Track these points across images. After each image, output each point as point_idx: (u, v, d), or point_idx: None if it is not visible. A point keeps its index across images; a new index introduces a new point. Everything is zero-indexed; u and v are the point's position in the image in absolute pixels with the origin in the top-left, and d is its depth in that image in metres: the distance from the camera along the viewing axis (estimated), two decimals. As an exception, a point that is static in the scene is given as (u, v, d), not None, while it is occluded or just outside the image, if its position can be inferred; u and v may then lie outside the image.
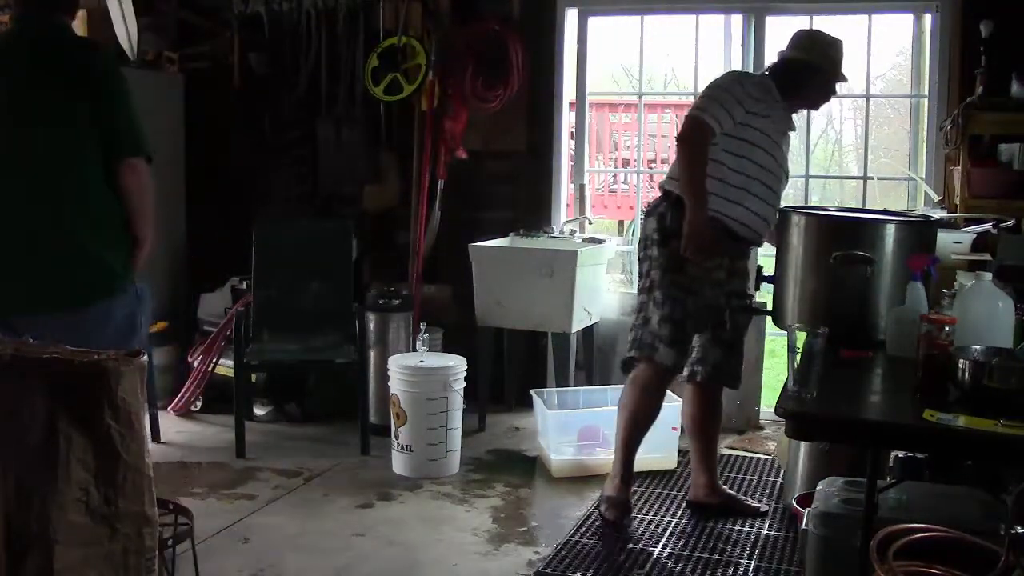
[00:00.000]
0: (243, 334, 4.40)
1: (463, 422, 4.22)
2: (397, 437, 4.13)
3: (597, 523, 3.59)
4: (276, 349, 4.57)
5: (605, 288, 4.93)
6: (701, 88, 3.67)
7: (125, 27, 4.87)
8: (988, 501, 2.37)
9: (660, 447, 4.06)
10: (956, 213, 4.11)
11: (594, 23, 5.15)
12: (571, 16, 5.09)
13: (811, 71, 3.44)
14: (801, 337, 2.24)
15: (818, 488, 2.57)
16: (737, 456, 4.39)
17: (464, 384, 4.18)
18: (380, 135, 5.20)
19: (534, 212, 5.12)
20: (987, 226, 3.80)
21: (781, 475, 3.98)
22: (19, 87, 2.85)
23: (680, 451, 4.20)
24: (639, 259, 3.57)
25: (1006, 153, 4.20)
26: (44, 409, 1.97)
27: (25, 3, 2.96)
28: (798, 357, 2.17)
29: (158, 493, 2.15)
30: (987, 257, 3.52)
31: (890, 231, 2.78)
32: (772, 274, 3.20)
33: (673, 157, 3.55)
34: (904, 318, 2.46)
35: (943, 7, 4.58)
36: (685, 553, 3.35)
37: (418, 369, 4.09)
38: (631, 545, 3.41)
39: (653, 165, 8.25)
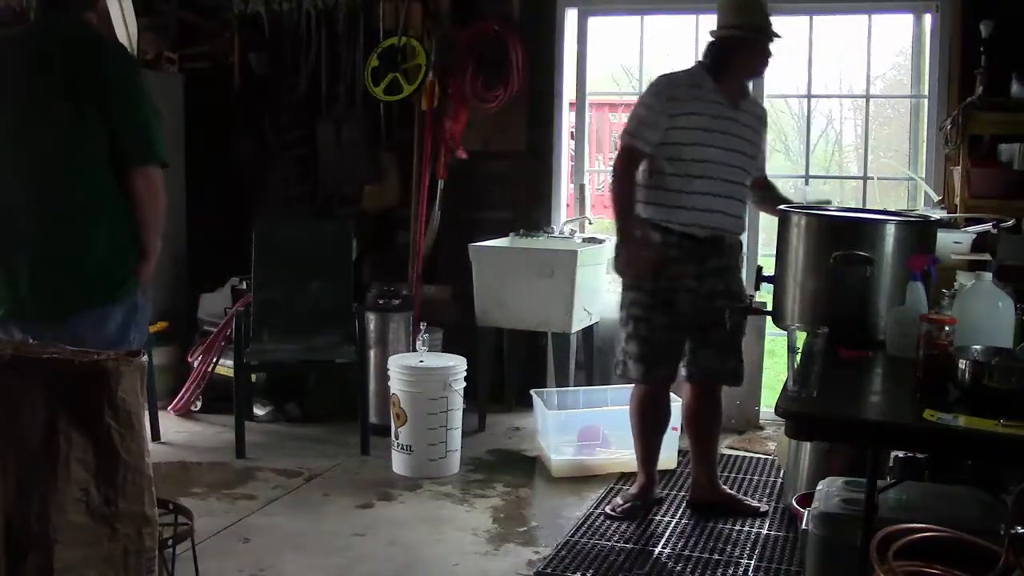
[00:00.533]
0: (243, 334, 4.40)
1: (463, 422, 4.23)
2: (397, 437, 4.13)
3: (597, 523, 3.59)
4: (276, 349, 4.57)
5: (605, 288, 4.92)
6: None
7: (125, 27, 4.86)
8: (988, 501, 2.37)
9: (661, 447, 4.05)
10: (956, 213, 4.10)
11: (594, 23, 5.16)
12: (571, 16, 5.10)
13: (734, 43, 3.40)
14: (801, 337, 2.23)
15: (818, 488, 2.57)
16: (737, 456, 4.39)
17: (464, 384, 4.18)
18: (380, 135, 5.21)
19: (534, 212, 5.13)
20: (987, 226, 3.79)
21: (781, 475, 3.98)
22: (28, 87, 2.80)
23: (680, 451, 4.20)
24: None
25: (1006, 153, 4.20)
26: (44, 409, 1.97)
27: (44, 1, 2.92)
28: (798, 357, 2.16)
29: (158, 493, 2.15)
30: (987, 257, 3.51)
31: (890, 231, 2.77)
32: (772, 274, 3.20)
33: None
34: (904, 318, 2.46)
35: (943, 7, 4.58)
36: (685, 553, 3.35)
37: (418, 369, 4.09)
38: (631, 545, 3.41)
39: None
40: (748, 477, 4.12)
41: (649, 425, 3.68)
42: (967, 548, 2.03)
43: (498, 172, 5.13)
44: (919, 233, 2.86)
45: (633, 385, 3.66)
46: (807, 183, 5.44)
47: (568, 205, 5.28)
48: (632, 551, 3.36)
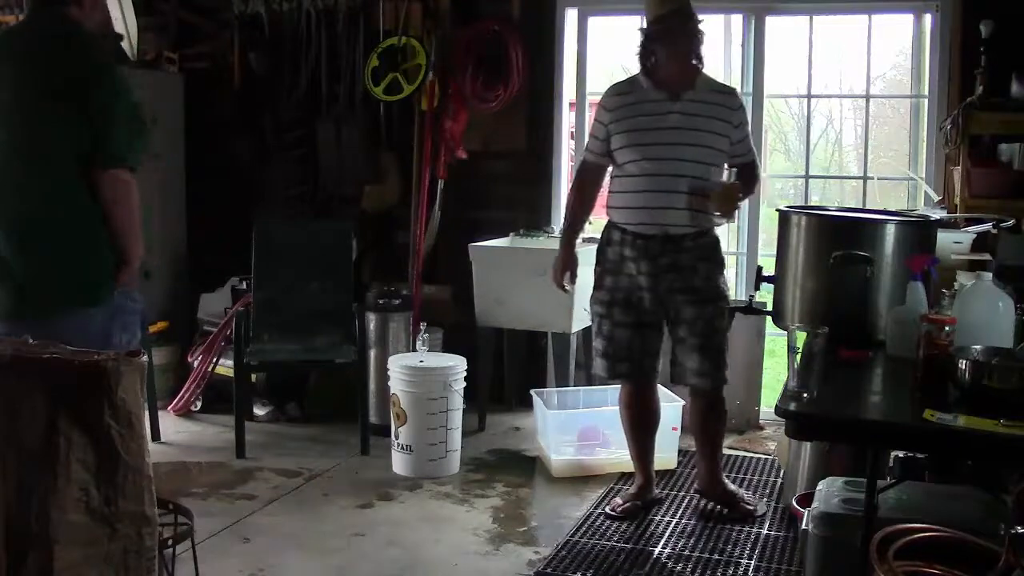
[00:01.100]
0: (243, 334, 4.40)
1: (463, 422, 4.23)
2: (397, 437, 4.13)
3: (597, 523, 3.59)
4: (276, 349, 4.56)
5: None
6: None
7: (125, 27, 4.87)
8: (988, 501, 2.37)
9: (660, 447, 4.04)
10: (956, 213, 4.10)
11: (594, 23, 5.15)
12: (571, 16, 5.09)
13: (651, 37, 3.50)
14: (801, 337, 2.24)
15: (818, 488, 2.57)
16: (737, 456, 4.39)
17: (464, 384, 4.18)
18: (380, 135, 5.20)
19: (534, 212, 5.12)
20: (987, 226, 3.79)
21: (781, 475, 3.98)
22: (8, 84, 2.75)
23: (680, 451, 4.20)
24: None
25: (1006, 153, 4.20)
26: (44, 409, 1.97)
27: None
28: (798, 357, 2.17)
29: (158, 493, 2.15)
30: (987, 257, 3.51)
31: (890, 231, 2.78)
32: (772, 274, 3.20)
33: None
34: (904, 318, 2.46)
35: (943, 7, 4.58)
36: (685, 553, 3.35)
37: (418, 369, 4.09)
38: (631, 545, 3.41)
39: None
40: (748, 477, 4.12)
41: (633, 422, 3.73)
42: (967, 548, 2.03)
43: (498, 172, 5.13)
44: (919, 233, 2.87)
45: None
46: (807, 183, 5.43)
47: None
48: (632, 551, 3.36)
